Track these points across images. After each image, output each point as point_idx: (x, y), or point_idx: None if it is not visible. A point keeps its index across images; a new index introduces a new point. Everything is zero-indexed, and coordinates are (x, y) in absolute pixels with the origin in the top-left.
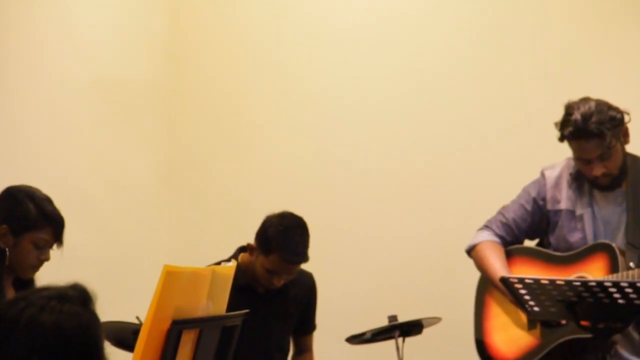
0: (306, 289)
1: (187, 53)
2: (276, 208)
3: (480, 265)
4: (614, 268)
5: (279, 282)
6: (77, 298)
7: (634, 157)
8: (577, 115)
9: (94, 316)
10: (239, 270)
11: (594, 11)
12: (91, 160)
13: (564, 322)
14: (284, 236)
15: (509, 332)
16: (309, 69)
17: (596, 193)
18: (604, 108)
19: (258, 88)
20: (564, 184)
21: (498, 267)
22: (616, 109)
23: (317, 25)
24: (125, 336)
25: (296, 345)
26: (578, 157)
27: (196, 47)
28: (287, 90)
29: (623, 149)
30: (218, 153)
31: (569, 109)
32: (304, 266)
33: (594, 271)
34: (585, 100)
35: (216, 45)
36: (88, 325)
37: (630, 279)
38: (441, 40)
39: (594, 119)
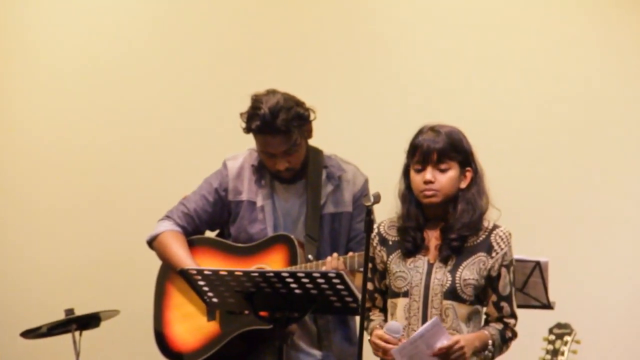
0: None
1: None
2: None
3: (163, 255)
4: (292, 260)
5: None
6: None
7: (315, 150)
8: (265, 110)
9: None
10: None
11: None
12: None
13: (247, 312)
14: None
15: (191, 322)
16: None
17: (277, 185)
18: (292, 104)
19: None
20: (246, 175)
21: (182, 255)
22: (303, 105)
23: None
24: None
25: None
26: (263, 151)
27: None
28: None
29: (306, 144)
30: None
31: (256, 102)
32: None
33: (274, 263)
34: (273, 93)
35: None
36: None
37: (307, 269)
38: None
39: (282, 115)
